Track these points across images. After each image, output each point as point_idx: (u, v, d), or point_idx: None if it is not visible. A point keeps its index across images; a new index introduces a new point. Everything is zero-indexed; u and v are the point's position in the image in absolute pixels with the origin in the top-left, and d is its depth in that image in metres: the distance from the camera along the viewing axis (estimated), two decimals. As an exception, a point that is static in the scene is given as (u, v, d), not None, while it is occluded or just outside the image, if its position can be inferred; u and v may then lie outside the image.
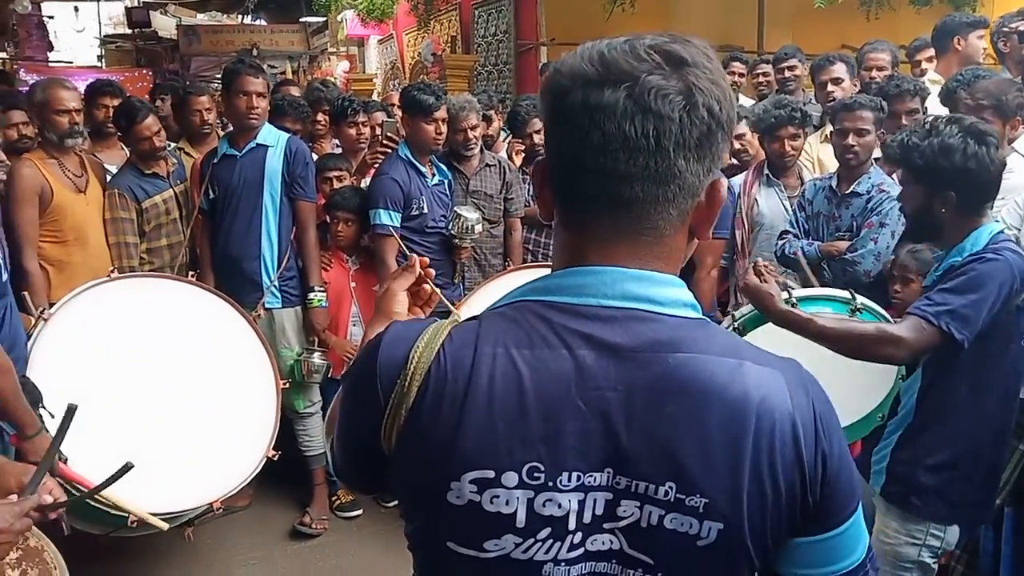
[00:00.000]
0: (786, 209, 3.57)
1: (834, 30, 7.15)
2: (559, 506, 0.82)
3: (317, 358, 3.55)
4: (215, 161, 3.59)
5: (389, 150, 3.84)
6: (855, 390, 2.54)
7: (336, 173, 3.90)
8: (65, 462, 2.46)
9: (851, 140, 3.12)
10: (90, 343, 2.86)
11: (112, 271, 3.14)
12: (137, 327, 2.98)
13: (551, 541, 0.83)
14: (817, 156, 4.01)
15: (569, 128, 0.82)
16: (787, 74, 4.77)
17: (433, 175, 3.65)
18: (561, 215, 0.89)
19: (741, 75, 5.43)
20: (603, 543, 0.84)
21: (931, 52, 4.31)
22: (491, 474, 0.82)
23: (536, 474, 0.82)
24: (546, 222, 3.98)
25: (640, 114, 0.80)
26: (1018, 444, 2.64)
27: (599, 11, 7.08)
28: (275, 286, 3.53)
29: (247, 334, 3.23)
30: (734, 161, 3.96)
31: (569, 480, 0.82)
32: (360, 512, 3.74)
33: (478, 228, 3.54)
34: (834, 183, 3.27)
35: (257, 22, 15.68)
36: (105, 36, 17.11)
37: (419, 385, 0.85)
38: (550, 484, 0.82)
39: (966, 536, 2.77)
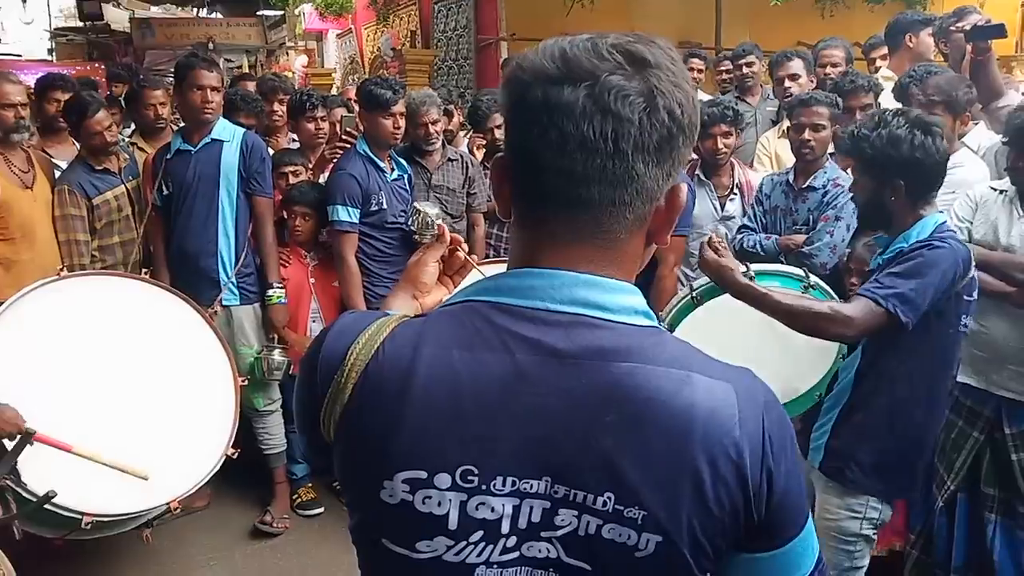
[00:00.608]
0: (715, 209, 3.64)
1: (790, 27, 7.26)
2: (492, 510, 0.81)
3: (277, 355, 3.50)
4: (168, 156, 3.51)
5: (348, 145, 3.80)
6: (795, 369, 2.63)
7: (292, 168, 3.85)
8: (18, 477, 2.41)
9: (807, 135, 3.17)
10: (40, 343, 2.78)
11: (61, 269, 3.06)
12: (89, 326, 2.90)
13: (483, 544, 0.82)
14: (775, 151, 4.06)
15: (528, 126, 0.81)
16: (745, 71, 4.82)
17: (392, 170, 3.63)
18: (518, 212, 0.88)
19: (700, 71, 5.48)
20: (540, 550, 0.83)
21: (885, 49, 4.39)
22: (423, 475, 0.81)
23: (470, 477, 0.81)
24: (504, 219, 3.98)
25: (599, 114, 0.78)
26: (971, 431, 2.71)
27: (559, 7, 7.10)
28: (232, 283, 3.47)
29: (204, 332, 3.17)
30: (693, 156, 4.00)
31: (504, 485, 0.81)
32: (322, 510, 3.70)
33: (438, 223, 3.51)
34: (791, 178, 3.31)
35: (213, 15, 15.43)
36: (56, 29, 16.70)
37: (355, 382, 0.84)
38: (483, 488, 0.81)
39: (920, 521, 2.84)
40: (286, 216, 3.70)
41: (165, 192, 3.51)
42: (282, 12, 13.08)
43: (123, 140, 4.09)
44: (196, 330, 3.16)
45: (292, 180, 3.80)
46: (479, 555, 0.83)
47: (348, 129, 3.95)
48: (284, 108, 4.48)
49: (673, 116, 0.80)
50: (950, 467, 2.76)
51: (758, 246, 3.26)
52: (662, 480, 0.79)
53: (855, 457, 2.22)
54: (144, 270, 3.29)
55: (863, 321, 2.07)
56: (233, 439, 3.04)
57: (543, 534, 0.82)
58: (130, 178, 3.78)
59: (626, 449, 0.79)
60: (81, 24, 15.39)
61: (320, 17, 11.34)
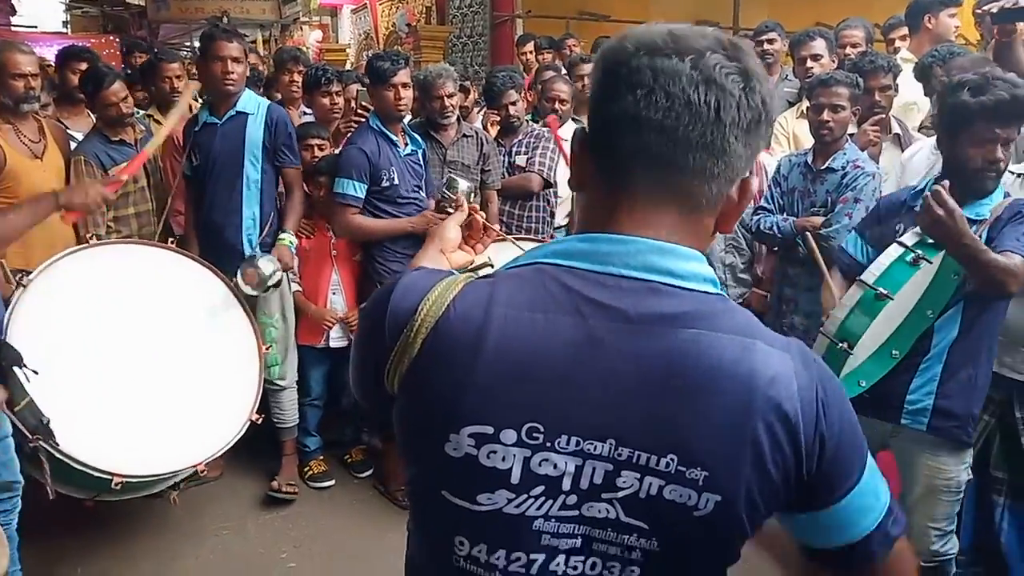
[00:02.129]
0: None
1: (810, 7, 7.17)
2: (555, 467, 0.84)
3: (264, 262, 3.29)
4: (196, 129, 3.53)
5: (362, 119, 3.79)
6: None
7: (317, 141, 3.84)
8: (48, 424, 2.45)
9: (826, 116, 3.14)
10: (71, 309, 2.82)
11: (90, 237, 3.10)
12: (119, 293, 2.95)
13: (544, 499, 0.85)
14: (792, 131, 4.03)
15: (631, 88, 0.84)
16: (766, 47, 4.77)
17: (406, 145, 3.61)
18: (601, 178, 0.90)
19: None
20: (600, 511, 0.85)
21: (905, 30, 4.34)
22: (490, 430, 0.84)
23: (535, 434, 0.84)
24: (574, 190, 3.90)
25: (704, 83, 0.83)
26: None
27: (576, -16, 7.03)
28: (258, 253, 3.48)
29: (229, 301, 3.22)
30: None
31: (568, 444, 0.84)
32: (332, 483, 3.73)
33: (457, 194, 3.39)
34: (809, 159, 3.29)
35: (227, -11, 15.34)
36: (71, 1, 16.66)
37: (424, 338, 0.87)
38: (548, 445, 0.84)
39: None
40: (308, 188, 3.70)
41: (195, 163, 3.53)
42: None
43: (138, 112, 4.10)
44: (222, 299, 3.21)
45: (317, 153, 3.79)
46: (539, 509, 0.85)
47: (364, 103, 3.94)
48: (300, 80, 4.47)
49: (764, 102, 0.86)
50: (961, 451, 2.76)
51: (775, 227, 3.24)
52: (724, 443, 0.82)
53: (965, 413, 2.30)
54: (171, 239, 3.31)
55: (1021, 276, 2.10)
56: (257, 406, 3.10)
57: (604, 495, 0.85)
58: (146, 150, 3.79)
59: (690, 413, 0.82)
60: (96, -3, 15.37)
61: (335, -8, 11.28)
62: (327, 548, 3.29)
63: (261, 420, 3.09)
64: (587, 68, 4.97)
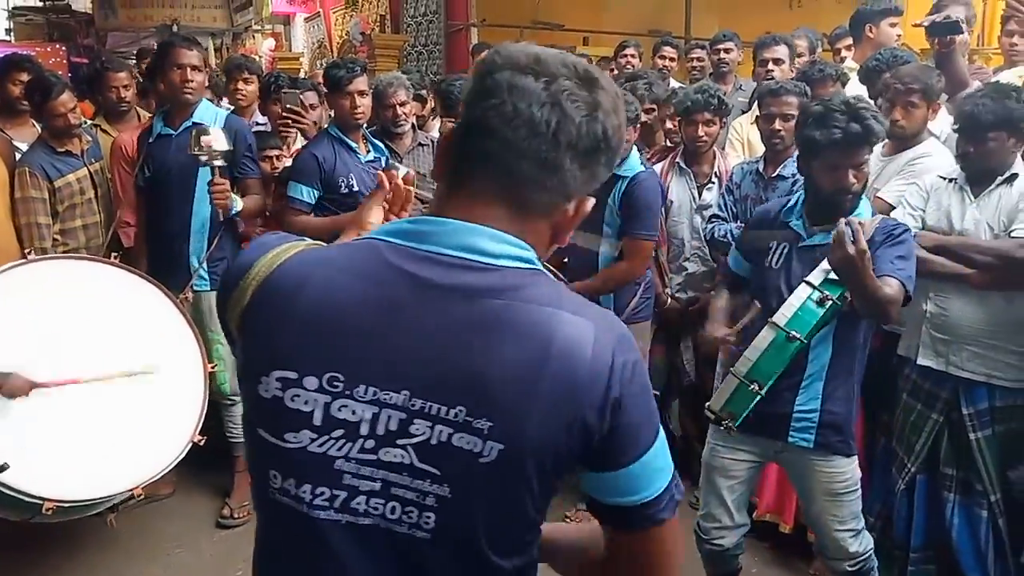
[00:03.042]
0: (693, 197, 3.65)
1: (760, 18, 7.30)
2: (353, 413, 0.93)
3: (217, 133, 3.18)
4: (151, 140, 3.46)
5: (293, 122, 3.77)
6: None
7: (275, 152, 3.79)
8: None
9: (777, 125, 3.20)
10: (6, 326, 2.73)
11: (28, 252, 3.01)
12: (58, 309, 2.86)
13: (344, 441, 0.94)
14: (747, 137, 4.09)
15: (489, 98, 0.94)
16: (723, 56, 4.85)
17: (368, 152, 3.58)
18: (451, 172, 1.00)
19: (672, 59, 5.50)
20: (395, 456, 0.93)
21: (850, 40, 4.45)
22: (294, 375, 0.94)
23: (335, 383, 0.93)
24: (434, 180, 3.90)
25: (550, 105, 0.93)
26: (930, 413, 2.78)
27: (530, -7, 7.07)
28: (204, 269, 3.43)
29: (174, 317, 3.13)
30: (668, 143, 4.02)
31: (365, 393, 0.93)
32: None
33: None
34: (760, 167, 3.34)
35: (177, -3, 15.11)
36: (14, 8, 16.23)
37: (254, 288, 0.98)
38: (347, 393, 0.93)
39: (880, 502, 2.91)
40: (275, 196, 3.65)
41: (148, 174, 3.45)
42: (249, -5, 12.86)
43: (85, 122, 4.01)
44: (167, 315, 3.12)
45: (275, 164, 3.75)
46: (339, 450, 0.94)
47: (289, 106, 3.89)
48: (249, 88, 4.42)
49: (606, 134, 0.96)
50: (910, 450, 2.82)
51: (729, 235, 3.29)
52: (511, 397, 0.91)
53: (847, 426, 2.41)
54: (114, 255, 3.22)
55: (900, 302, 2.20)
56: (200, 426, 3.01)
57: (399, 441, 0.93)
58: (93, 160, 3.71)
59: (485, 369, 0.91)
60: (41, 4, 15.00)
61: (288, 0, 11.18)
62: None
63: (203, 442, 3.00)
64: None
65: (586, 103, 0.94)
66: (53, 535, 3.15)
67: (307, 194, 3.42)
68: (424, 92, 4.67)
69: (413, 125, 3.97)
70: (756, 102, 3.38)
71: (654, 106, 4.02)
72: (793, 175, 3.20)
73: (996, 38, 5.13)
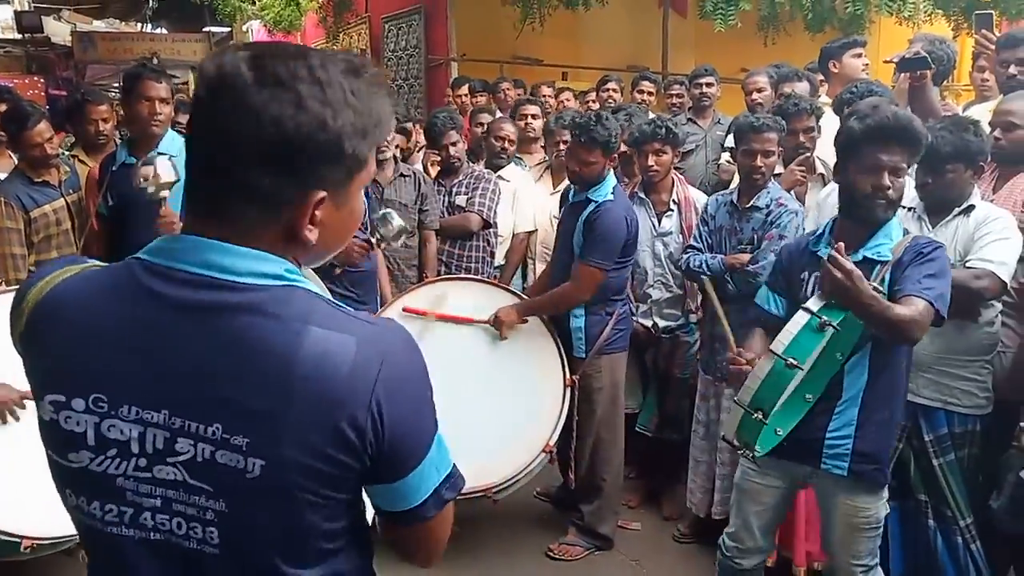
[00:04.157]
0: (652, 225, 3.73)
1: (735, 54, 7.44)
2: (121, 432, 0.96)
3: (164, 163, 3.03)
4: (114, 168, 3.43)
5: None
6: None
7: None
8: None
9: (759, 162, 3.25)
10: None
11: (1, 283, 2.97)
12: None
13: (119, 459, 0.97)
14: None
15: (197, 106, 0.98)
16: (704, 90, 4.96)
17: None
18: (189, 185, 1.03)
19: (651, 94, 5.60)
20: (168, 473, 0.96)
21: (821, 76, 4.56)
22: (63, 398, 0.97)
23: (100, 403, 0.96)
24: (415, 211, 3.96)
25: (222, 114, 0.92)
26: (896, 442, 2.80)
27: (509, 28, 7.16)
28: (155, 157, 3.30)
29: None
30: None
31: (129, 412, 0.96)
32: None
33: (396, 236, 3.26)
34: (735, 198, 3.39)
35: (158, 31, 15.16)
36: (-8, 40, 16.20)
37: (28, 312, 1.02)
38: (113, 413, 0.96)
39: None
40: None
41: (110, 203, 3.42)
42: (229, 28, 12.94)
43: (64, 153, 4.00)
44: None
45: None
46: (117, 468, 0.97)
47: None
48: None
49: (284, 132, 0.92)
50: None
51: (704, 265, 3.32)
52: (263, 414, 0.93)
53: (883, 455, 2.38)
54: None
55: (926, 323, 2.15)
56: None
57: (168, 459, 0.96)
58: (70, 191, 3.68)
59: (235, 388, 0.93)
60: (19, 36, 14.98)
61: (268, 34, 11.23)
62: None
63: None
64: (532, 109, 5.07)
65: (254, 108, 0.91)
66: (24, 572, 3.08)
67: None
68: (408, 125, 4.71)
69: (395, 156, 3.98)
70: (734, 135, 3.43)
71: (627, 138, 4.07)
72: (767, 206, 3.26)
73: (968, 74, 5.28)
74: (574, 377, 3.33)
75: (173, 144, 3.44)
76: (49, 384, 0.99)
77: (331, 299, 1.02)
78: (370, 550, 1.13)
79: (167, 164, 3.05)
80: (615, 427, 3.55)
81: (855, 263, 2.17)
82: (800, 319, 2.19)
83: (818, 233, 2.51)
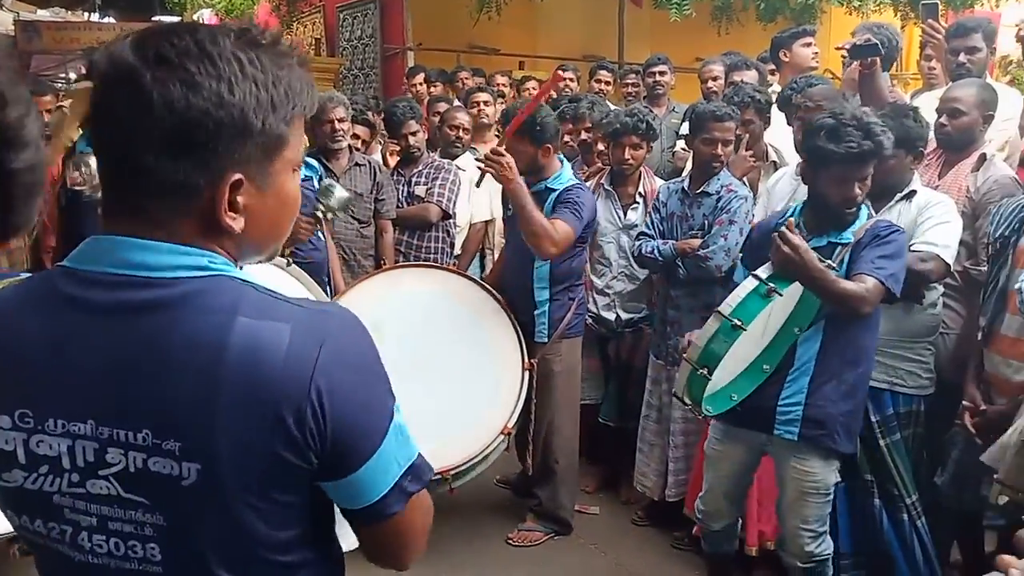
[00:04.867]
0: (618, 217, 3.72)
1: (689, 43, 7.50)
2: (50, 447, 0.92)
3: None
4: (72, 157, 3.40)
5: None
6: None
7: None
8: None
9: (719, 150, 3.28)
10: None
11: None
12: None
13: (52, 476, 0.92)
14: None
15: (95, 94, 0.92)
16: (657, 78, 5.00)
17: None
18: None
19: (608, 83, 5.63)
20: (101, 488, 0.91)
21: (773, 65, 4.62)
22: None
23: (26, 419, 0.92)
24: (370, 201, 3.89)
25: (119, 104, 0.88)
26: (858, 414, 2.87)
27: (465, 17, 7.14)
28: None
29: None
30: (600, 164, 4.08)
31: (56, 426, 0.91)
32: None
33: (341, 207, 3.36)
34: (686, 184, 3.44)
35: (105, 20, 14.80)
36: (-70, 29, 15.69)
37: None
38: (39, 428, 0.91)
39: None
40: None
41: (69, 195, 3.39)
42: (179, 17, 12.69)
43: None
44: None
45: None
46: (51, 485, 0.93)
47: None
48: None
49: (178, 114, 0.86)
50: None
51: (656, 251, 3.36)
52: (193, 414, 0.88)
53: (837, 422, 2.49)
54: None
55: (875, 299, 2.33)
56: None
57: (100, 472, 0.91)
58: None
59: (160, 389, 0.88)
60: (-40, 25, 14.52)
61: (219, 20, 11.05)
62: None
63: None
64: (483, 96, 5.08)
65: (141, 92, 0.86)
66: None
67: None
68: (370, 115, 4.67)
69: (350, 146, 3.96)
70: (691, 123, 3.46)
71: (589, 125, 4.10)
72: (717, 192, 3.30)
73: (915, 63, 5.39)
74: (533, 361, 3.35)
75: None
76: None
77: (265, 286, 0.95)
78: (341, 571, 1.07)
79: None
80: (571, 411, 3.58)
81: (820, 247, 2.34)
82: (749, 284, 2.36)
83: (787, 215, 2.61)
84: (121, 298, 0.90)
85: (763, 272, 2.36)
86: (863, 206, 2.52)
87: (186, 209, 0.91)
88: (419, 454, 1.00)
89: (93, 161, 3.05)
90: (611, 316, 3.76)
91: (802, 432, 2.48)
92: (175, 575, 0.93)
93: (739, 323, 2.30)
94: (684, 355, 2.43)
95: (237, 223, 0.92)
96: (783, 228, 2.30)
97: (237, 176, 0.90)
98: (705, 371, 2.34)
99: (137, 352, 0.89)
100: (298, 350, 0.89)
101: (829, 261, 2.35)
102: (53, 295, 0.93)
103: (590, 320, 3.71)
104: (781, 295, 2.32)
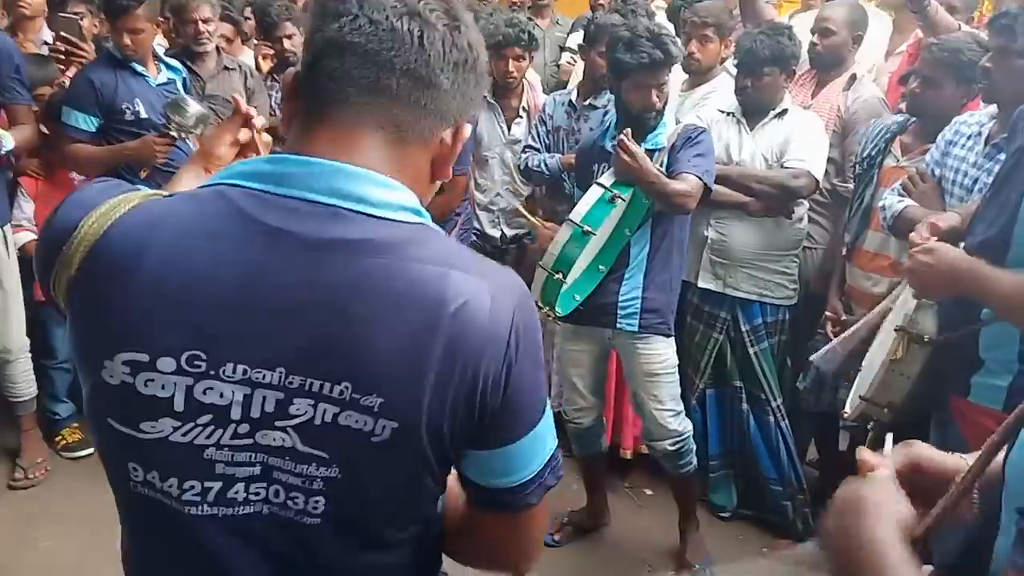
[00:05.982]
0: (502, 131, 3.64)
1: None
2: (221, 395, 0.81)
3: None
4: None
5: (64, 56, 3.38)
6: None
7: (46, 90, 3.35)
8: None
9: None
10: None
11: None
12: None
13: (212, 427, 0.82)
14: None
15: (338, 16, 0.84)
16: None
17: (158, 73, 3.26)
18: (303, 107, 0.88)
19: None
20: (275, 439, 0.83)
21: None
22: (145, 358, 0.80)
23: (197, 363, 0.80)
24: (283, 134, 3.64)
25: (407, 15, 0.83)
26: (712, 332, 3.03)
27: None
28: None
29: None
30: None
31: (234, 372, 0.81)
32: (91, 451, 3.40)
33: (195, 124, 2.99)
34: (573, 97, 3.40)
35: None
36: None
37: (83, 256, 0.82)
38: (212, 373, 0.81)
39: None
40: (47, 127, 3.26)
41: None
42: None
43: None
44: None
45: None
46: (208, 437, 0.83)
47: (62, 33, 3.45)
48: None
49: (471, 47, 0.87)
50: (696, 368, 3.07)
51: (543, 165, 3.34)
52: (402, 371, 0.81)
53: (668, 309, 2.72)
54: None
55: (698, 195, 2.52)
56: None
57: (278, 423, 0.82)
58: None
59: (367, 340, 0.80)
60: None
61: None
62: (86, 522, 3.01)
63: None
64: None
65: (445, 12, 0.86)
66: None
67: (84, 121, 3.09)
68: (233, 13, 4.32)
69: (218, 48, 3.68)
70: (586, 33, 3.40)
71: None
72: (604, 105, 3.28)
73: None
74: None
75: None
76: (123, 342, 0.80)
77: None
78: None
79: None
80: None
81: None
82: (595, 193, 2.54)
83: (603, 130, 2.81)
84: (333, 233, 0.81)
85: (606, 180, 2.54)
86: (664, 117, 2.66)
87: (430, 142, 0.89)
88: (559, 446, 0.95)
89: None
90: (496, 233, 3.73)
91: (641, 322, 2.66)
92: (329, 528, 0.86)
93: (589, 229, 2.48)
94: (540, 263, 2.57)
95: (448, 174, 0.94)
96: (621, 137, 2.47)
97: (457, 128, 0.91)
98: (560, 275, 2.49)
99: (346, 297, 0.80)
100: (499, 308, 0.84)
101: (657, 167, 2.54)
102: (241, 220, 0.81)
103: (475, 237, 3.68)
104: (624, 200, 2.51)
